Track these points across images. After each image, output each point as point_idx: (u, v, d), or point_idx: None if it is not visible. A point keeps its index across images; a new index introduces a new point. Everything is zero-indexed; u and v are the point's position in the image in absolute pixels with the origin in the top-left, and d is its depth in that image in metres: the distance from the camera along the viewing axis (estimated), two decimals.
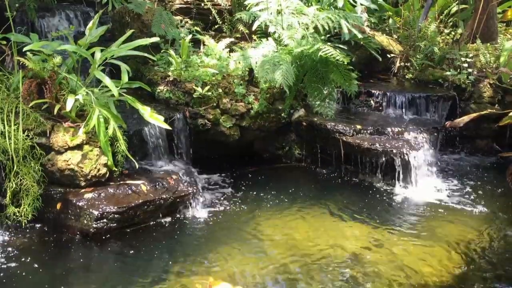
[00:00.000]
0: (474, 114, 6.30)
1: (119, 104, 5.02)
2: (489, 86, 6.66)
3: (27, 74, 4.75)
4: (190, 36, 6.22)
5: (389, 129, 5.89)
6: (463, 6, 7.97)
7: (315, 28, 6.04)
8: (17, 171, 4.38)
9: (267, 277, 4.01)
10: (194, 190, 4.95)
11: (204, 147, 5.91)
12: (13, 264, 4.05)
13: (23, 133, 4.47)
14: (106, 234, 4.45)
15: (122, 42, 5.12)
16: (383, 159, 5.62)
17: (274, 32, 6.10)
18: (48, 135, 4.64)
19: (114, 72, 5.62)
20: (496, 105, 6.61)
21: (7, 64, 5.32)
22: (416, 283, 3.96)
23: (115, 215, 4.46)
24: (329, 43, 5.93)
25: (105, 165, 4.70)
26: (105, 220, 4.42)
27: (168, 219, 4.80)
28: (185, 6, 7.11)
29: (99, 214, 4.41)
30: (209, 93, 5.74)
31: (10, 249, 4.25)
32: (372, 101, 6.57)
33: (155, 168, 5.24)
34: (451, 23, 7.66)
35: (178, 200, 4.82)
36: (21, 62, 4.72)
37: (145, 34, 5.99)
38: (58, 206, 4.54)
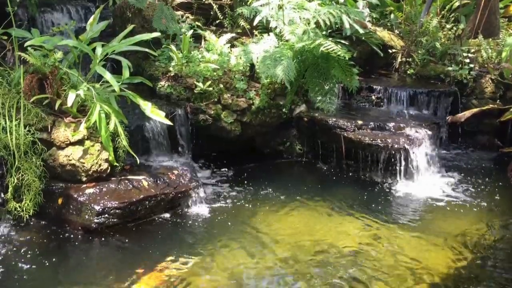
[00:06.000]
0: (476, 110, 6.29)
1: (120, 99, 5.02)
2: (490, 81, 6.65)
3: (28, 69, 4.75)
4: (191, 32, 6.22)
5: (390, 125, 5.88)
6: (465, 1, 7.95)
7: (317, 23, 6.02)
8: (19, 166, 4.39)
9: (266, 272, 4.02)
10: (195, 185, 4.95)
11: (205, 143, 5.91)
12: (14, 259, 4.06)
13: (25, 128, 4.47)
14: (107, 229, 4.46)
15: (123, 37, 5.11)
16: (384, 154, 5.62)
17: (276, 27, 6.08)
18: (49, 130, 4.64)
19: (115, 67, 5.63)
20: (498, 100, 6.60)
21: (8, 59, 5.33)
22: (417, 278, 3.96)
23: (117, 210, 4.47)
24: (330, 39, 5.91)
25: (106, 160, 4.71)
26: (106, 215, 4.43)
27: (169, 214, 4.81)
28: (186, 1, 7.10)
29: (100, 209, 4.41)
30: (210, 89, 5.73)
31: (11, 244, 4.26)
32: (373, 97, 6.57)
33: (156, 164, 5.25)
34: (453, 18, 7.64)
35: (179, 195, 4.82)
36: (22, 57, 4.71)
37: (146, 29, 5.98)
38: (60, 201, 4.55)
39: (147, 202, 4.63)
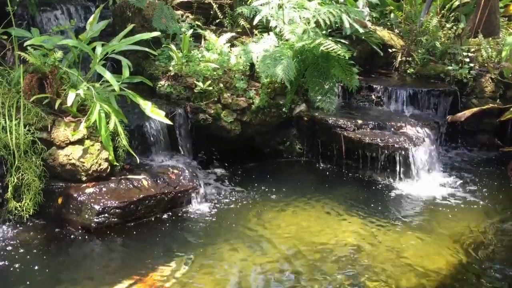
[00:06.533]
0: (476, 109, 6.30)
1: (120, 99, 5.02)
2: (490, 80, 6.65)
3: (28, 69, 4.74)
4: (191, 31, 6.21)
5: (390, 124, 5.88)
6: (465, 0, 7.95)
7: (317, 22, 6.02)
8: (19, 165, 4.39)
9: (267, 271, 4.02)
10: (195, 185, 4.95)
11: (205, 142, 5.91)
12: (14, 259, 4.06)
13: (24, 128, 4.47)
14: (107, 229, 4.45)
15: (123, 37, 5.11)
16: (384, 154, 5.62)
17: (276, 27, 6.08)
18: (49, 130, 4.64)
19: (115, 67, 5.62)
20: (498, 100, 6.61)
21: (8, 59, 5.33)
22: (415, 277, 3.96)
23: (117, 210, 4.47)
24: (330, 38, 5.91)
25: (106, 160, 4.71)
26: (106, 214, 4.43)
27: (170, 213, 4.80)
28: (186, 0, 7.09)
29: (100, 209, 4.41)
30: (210, 88, 5.73)
31: (11, 243, 4.26)
32: (373, 96, 6.57)
33: (156, 163, 5.24)
34: (453, 18, 7.64)
35: (179, 194, 4.82)
36: (22, 57, 4.71)
37: (146, 29, 5.98)
38: (59, 200, 4.55)
39: (147, 201, 4.63)
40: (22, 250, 4.18)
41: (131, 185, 4.69)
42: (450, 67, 6.72)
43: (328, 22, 5.89)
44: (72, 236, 4.41)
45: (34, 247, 4.24)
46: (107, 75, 4.75)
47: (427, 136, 5.82)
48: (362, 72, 6.55)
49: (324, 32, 6.17)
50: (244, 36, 6.67)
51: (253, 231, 4.61)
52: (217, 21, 7.00)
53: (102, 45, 4.97)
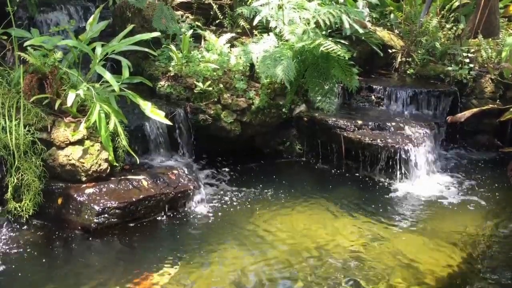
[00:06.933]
0: (476, 109, 6.29)
1: (120, 99, 5.01)
2: (490, 81, 6.65)
3: (28, 69, 4.74)
4: (191, 31, 6.21)
5: (390, 125, 5.89)
6: (465, 1, 7.94)
7: (317, 23, 6.02)
8: (18, 166, 4.39)
9: (266, 272, 4.02)
10: (195, 186, 4.95)
11: (204, 142, 5.90)
12: (14, 259, 4.06)
13: (24, 128, 4.47)
14: (107, 229, 4.45)
15: (123, 37, 5.11)
16: (384, 154, 5.62)
17: (275, 27, 6.08)
18: (49, 130, 4.64)
19: (115, 67, 5.63)
20: (498, 100, 6.60)
21: (8, 59, 5.33)
22: (414, 278, 3.96)
23: (116, 210, 4.47)
24: (330, 38, 5.91)
25: (106, 160, 4.71)
26: (106, 215, 4.43)
27: (169, 214, 4.80)
28: (186, 1, 7.10)
29: (100, 209, 4.41)
30: (210, 89, 5.73)
31: (11, 244, 4.26)
32: (373, 97, 6.57)
33: (156, 163, 5.24)
34: (452, 18, 7.64)
35: (179, 195, 4.82)
36: (22, 57, 4.71)
37: (146, 29, 5.98)
38: (59, 201, 4.55)
39: (146, 202, 4.63)
40: (21, 251, 4.18)
41: (131, 186, 4.69)
42: (450, 68, 6.72)
43: (328, 23, 5.88)
44: (71, 237, 4.41)
45: (33, 247, 4.24)
46: (107, 76, 4.75)
47: (427, 136, 5.82)
48: (362, 72, 6.55)
49: (324, 32, 6.17)
50: (244, 37, 6.68)
51: (253, 232, 4.61)
52: (217, 21, 7.00)
53: (102, 45, 4.97)
